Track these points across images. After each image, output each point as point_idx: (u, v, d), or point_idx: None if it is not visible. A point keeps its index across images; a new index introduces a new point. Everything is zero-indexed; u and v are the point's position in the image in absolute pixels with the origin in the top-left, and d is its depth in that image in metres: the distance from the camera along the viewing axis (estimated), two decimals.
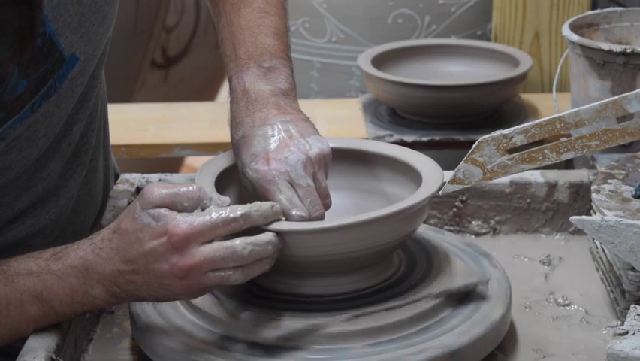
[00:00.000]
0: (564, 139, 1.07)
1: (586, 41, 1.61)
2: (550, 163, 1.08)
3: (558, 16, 2.23)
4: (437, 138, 1.97)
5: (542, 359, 1.12)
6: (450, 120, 2.00)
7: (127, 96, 3.02)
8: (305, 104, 1.22)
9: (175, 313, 1.12)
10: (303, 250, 1.06)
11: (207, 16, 3.15)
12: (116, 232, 1.03)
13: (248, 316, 1.08)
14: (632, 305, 1.05)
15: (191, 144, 2.01)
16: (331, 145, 1.15)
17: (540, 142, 1.10)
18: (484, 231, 1.42)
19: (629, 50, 1.55)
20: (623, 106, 1.04)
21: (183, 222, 1.00)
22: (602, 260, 1.27)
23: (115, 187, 1.40)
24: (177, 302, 1.13)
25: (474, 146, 1.08)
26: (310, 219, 1.08)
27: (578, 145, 1.07)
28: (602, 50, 1.57)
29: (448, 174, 1.11)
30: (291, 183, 1.09)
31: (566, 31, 1.65)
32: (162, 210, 1.01)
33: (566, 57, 1.75)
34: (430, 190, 1.10)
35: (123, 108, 2.20)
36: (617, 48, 1.56)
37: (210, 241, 1.00)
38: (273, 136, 1.12)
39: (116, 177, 1.45)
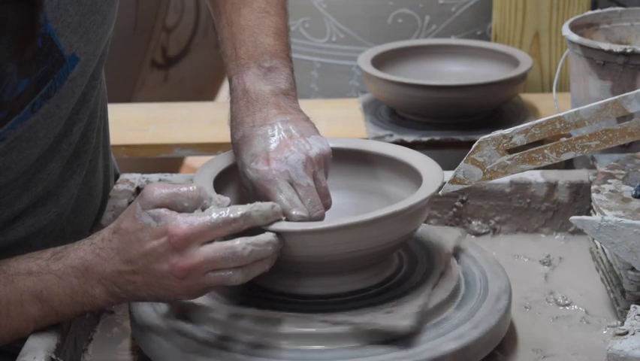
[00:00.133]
0: (564, 139, 1.07)
1: (586, 41, 1.61)
2: (550, 163, 1.08)
3: (558, 16, 2.23)
4: (437, 138, 1.97)
5: (542, 359, 1.12)
6: (450, 120, 2.00)
7: (127, 96, 3.02)
8: (305, 104, 1.22)
9: (175, 314, 1.11)
10: (303, 251, 1.06)
11: (207, 16, 3.15)
12: (116, 232, 1.03)
13: (247, 316, 1.08)
14: (632, 305, 1.05)
15: (191, 144, 2.01)
16: (331, 145, 1.15)
17: (540, 142, 1.10)
18: (484, 231, 1.42)
19: (629, 50, 1.55)
20: (623, 106, 1.04)
21: (183, 222, 1.00)
22: (602, 260, 1.27)
23: (115, 187, 1.40)
24: (177, 302, 1.13)
25: (474, 146, 1.08)
26: (310, 219, 1.08)
27: (578, 145, 1.07)
28: (602, 50, 1.57)
29: (448, 174, 1.11)
30: (291, 183, 1.09)
31: (566, 31, 1.65)
32: (162, 211, 1.01)
33: (566, 57, 1.75)
34: (430, 190, 1.10)
35: (123, 108, 2.20)
36: (617, 48, 1.56)
37: (210, 242, 1.00)
38: (273, 136, 1.12)
39: (116, 177, 1.45)
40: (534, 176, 1.41)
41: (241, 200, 1.18)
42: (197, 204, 1.02)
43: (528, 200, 1.41)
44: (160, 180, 1.43)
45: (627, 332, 1.01)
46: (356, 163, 1.24)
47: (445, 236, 1.21)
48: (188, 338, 1.07)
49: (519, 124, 1.10)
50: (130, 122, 2.08)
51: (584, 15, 1.74)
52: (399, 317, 1.05)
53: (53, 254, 1.06)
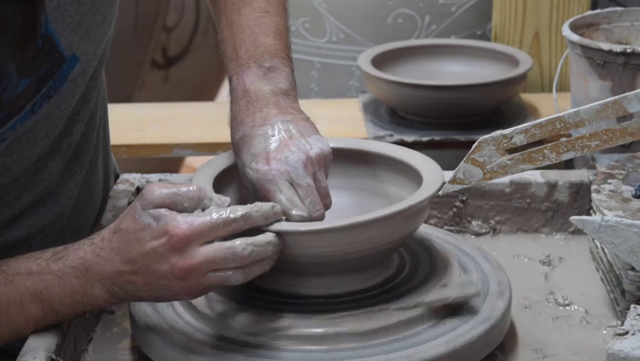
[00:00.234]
0: (564, 139, 1.07)
1: (586, 41, 1.61)
2: (550, 163, 1.08)
3: (558, 16, 2.23)
4: (437, 137, 1.97)
5: (542, 359, 1.12)
6: (450, 120, 2.00)
7: (127, 96, 3.02)
8: (305, 104, 1.22)
9: (175, 314, 1.12)
10: (304, 251, 1.06)
11: (207, 16, 3.15)
12: (116, 232, 1.03)
13: (248, 316, 1.08)
14: (632, 305, 1.05)
15: (191, 143, 2.01)
16: (332, 145, 1.15)
17: (540, 142, 1.10)
18: (484, 231, 1.42)
19: (629, 50, 1.55)
20: (623, 106, 1.04)
21: (184, 222, 1.00)
22: (602, 260, 1.27)
23: (115, 187, 1.40)
24: (177, 302, 1.13)
25: (474, 146, 1.08)
26: (310, 219, 1.08)
27: (578, 145, 1.07)
28: (602, 50, 1.57)
29: (448, 174, 1.11)
30: (291, 183, 1.09)
31: (566, 31, 1.65)
32: (162, 211, 1.01)
33: (566, 57, 1.75)
34: (431, 190, 1.10)
35: (123, 108, 2.20)
36: (617, 48, 1.56)
37: (211, 242, 1.00)
38: (274, 136, 1.12)
39: (116, 177, 1.45)
40: (534, 176, 1.41)
41: (241, 200, 1.18)
42: (197, 205, 1.02)
43: (528, 200, 1.41)
44: (160, 180, 1.43)
45: (627, 332, 1.01)
46: (356, 163, 1.24)
47: (457, 246, 1.22)
48: (188, 338, 1.07)
49: (519, 124, 1.10)
50: (130, 122, 2.08)
51: (584, 15, 1.74)
52: (370, 323, 1.06)
53: (53, 254, 1.06)
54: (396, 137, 1.96)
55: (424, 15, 2.29)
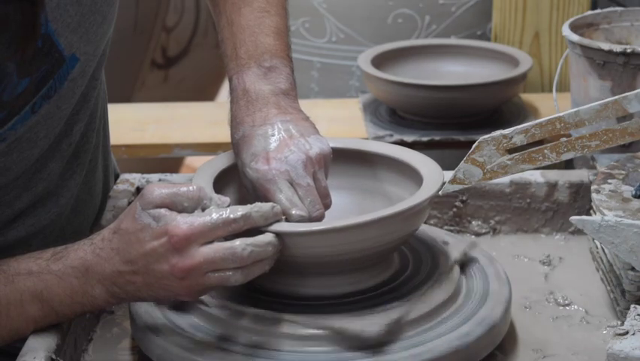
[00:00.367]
0: (564, 139, 1.07)
1: (586, 41, 1.61)
2: (550, 163, 1.08)
3: (558, 16, 2.23)
4: (437, 138, 1.97)
5: (542, 359, 1.12)
6: (450, 120, 2.00)
7: (127, 96, 3.02)
8: (305, 104, 1.22)
9: (175, 313, 1.12)
10: (303, 251, 1.06)
11: (207, 16, 3.15)
12: (116, 232, 1.03)
13: (248, 316, 1.08)
14: (632, 305, 1.05)
15: (190, 144, 2.01)
16: (332, 145, 1.15)
17: (540, 142, 1.10)
18: (484, 231, 1.42)
19: (629, 50, 1.55)
20: (623, 106, 1.04)
21: (184, 222, 1.00)
22: (602, 260, 1.27)
23: (115, 187, 1.40)
24: (178, 302, 1.13)
25: (474, 146, 1.08)
26: (310, 218, 1.08)
27: (578, 145, 1.07)
28: (602, 50, 1.57)
29: (448, 174, 1.11)
30: (291, 183, 1.09)
31: (566, 31, 1.65)
32: (162, 211, 1.01)
33: (566, 57, 1.75)
34: (431, 191, 1.10)
35: (123, 108, 2.20)
36: (617, 48, 1.56)
37: (210, 242, 1.00)
38: (273, 135, 1.12)
39: (116, 177, 1.45)
40: (534, 176, 1.41)
41: (241, 200, 1.18)
42: (197, 205, 1.02)
43: (528, 200, 1.41)
44: (160, 180, 1.43)
45: (627, 332, 1.01)
46: (356, 163, 1.24)
47: (453, 242, 1.21)
48: (188, 338, 1.07)
49: (519, 124, 1.10)
50: (130, 122, 2.08)
51: (584, 15, 1.74)
52: (369, 323, 1.05)
53: (53, 254, 1.06)
54: (396, 137, 1.96)
55: (424, 15, 2.28)
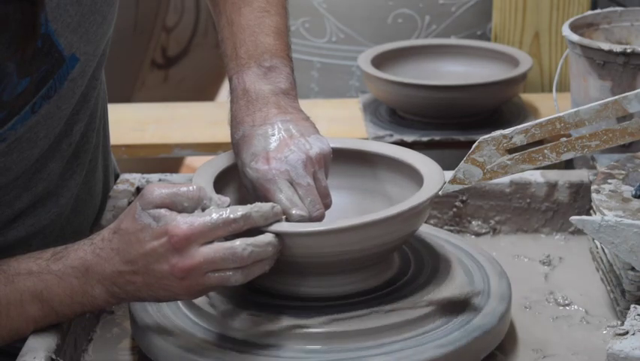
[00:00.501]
0: (564, 139, 1.07)
1: (586, 41, 1.61)
2: (550, 163, 1.08)
3: (558, 16, 2.23)
4: (437, 138, 1.97)
5: (542, 359, 1.12)
6: (450, 120, 2.00)
7: (127, 96, 3.02)
8: (305, 104, 1.22)
9: (175, 313, 1.12)
10: (304, 251, 1.06)
11: (207, 16, 3.15)
12: (116, 232, 1.03)
13: (248, 316, 1.08)
14: (632, 305, 1.05)
15: (190, 144, 2.01)
16: (332, 145, 1.15)
17: (540, 142, 1.10)
18: (484, 231, 1.42)
19: (629, 50, 1.55)
20: (623, 106, 1.04)
21: (184, 222, 1.00)
22: (602, 260, 1.27)
23: (115, 187, 1.40)
24: (177, 302, 1.13)
25: (474, 146, 1.08)
26: (310, 218, 1.08)
27: (578, 145, 1.07)
28: (602, 50, 1.57)
29: (448, 174, 1.11)
30: (291, 183, 1.09)
31: (566, 31, 1.65)
32: (162, 211, 1.01)
33: (566, 57, 1.75)
34: (432, 191, 1.10)
35: (123, 108, 2.20)
36: (617, 48, 1.56)
37: (211, 242, 1.00)
38: (273, 135, 1.12)
39: (116, 177, 1.45)
40: (534, 176, 1.41)
41: (241, 200, 1.18)
42: (197, 205, 1.02)
43: (528, 200, 1.41)
44: (160, 180, 1.43)
45: (627, 332, 1.01)
46: (356, 163, 1.24)
47: (458, 247, 1.22)
48: (188, 338, 1.07)
49: (519, 124, 1.10)
50: (130, 122, 2.08)
51: (584, 15, 1.74)
52: (369, 323, 1.05)
53: (53, 254, 1.06)
54: (396, 137, 1.96)
55: (424, 15, 2.28)
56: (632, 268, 1.14)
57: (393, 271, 1.15)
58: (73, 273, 1.04)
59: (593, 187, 1.25)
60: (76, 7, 1.12)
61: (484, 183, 1.36)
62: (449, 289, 1.12)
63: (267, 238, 1.02)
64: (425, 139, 1.97)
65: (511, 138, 1.07)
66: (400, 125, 2.03)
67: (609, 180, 1.25)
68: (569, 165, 1.84)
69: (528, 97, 2.15)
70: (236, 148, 1.15)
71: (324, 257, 1.07)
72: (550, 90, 2.13)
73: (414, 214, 1.08)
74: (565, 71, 1.85)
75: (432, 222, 1.41)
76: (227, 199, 1.04)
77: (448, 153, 1.97)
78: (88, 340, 1.17)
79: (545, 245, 1.39)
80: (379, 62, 2.08)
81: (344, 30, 2.32)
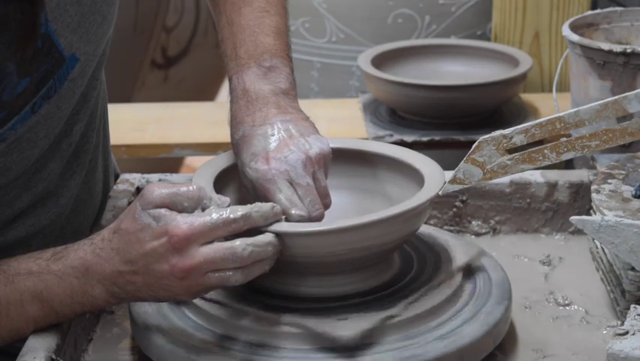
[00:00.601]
0: (564, 139, 1.07)
1: (586, 41, 1.61)
2: (550, 163, 1.08)
3: (558, 16, 2.23)
4: (437, 138, 1.97)
5: (542, 359, 1.12)
6: (450, 120, 2.00)
7: (127, 96, 3.02)
8: (305, 104, 1.22)
9: (175, 313, 1.12)
10: (303, 251, 1.06)
11: (207, 16, 3.15)
12: (116, 232, 1.03)
13: (248, 316, 1.08)
14: (632, 305, 1.05)
15: (190, 144, 2.01)
16: (332, 145, 1.15)
17: (540, 142, 1.10)
18: (484, 231, 1.42)
19: (629, 50, 1.55)
20: (623, 106, 1.04)
21: (184, 222, 1.00)
22: (602, 260, 1.27)
23: (115, 187, 1.40)
24: (177, 302, 1.13)
25: (474, 146, 1.08)
26: (310, 218, 1.08)
27: (578, 145, 1.07)
28: (602, 50, 1.57)
29: (448, 174, 1.11)
30: (291, 183, 1.09)
31: (566, 31, 1.65)
32: (162, 211, 1.01)
33: (566, 57, 1.75)
34: (432, 191, 1.10)
35: (123, 108, 2.20)
36: (617, 48, 1.56)
37: (210, 242, 1.00)
38: (273, 135, 1.12)
39: (116, 177, 1.45)
40: (534, 176, 1.41)
41: (241, 200, 1.18)
42: (197, 205, 1.02)
43: (528, 200, 1.41)
44: (160, 180, 1.43)
45: (627, 332, 1.01)
46: (356, 163, 1.24)
47: (459, 246, 1.21)
48: (188, 338, 1.07)
49: (519, 124, 1.10)
50: (130, 122, 2.08)
51: (584, 15, 1.74)
52: (368, 323, 1.05)
53: (53, 254, 1.06)
54: (396, 137, 1.96)
55: (424, 15, 2.28)
56: (632, 268, 1.14)
57: (394, 271, 1.15)
58: (73, 273, 1.04)
59: (593, 187, 1.25)
60: (76, 7, 1.12)
61: (484, 183, 1.36)
62: (449, 289, 1.12)
63: (267, 238, 1.02)
64: (425, 139, 1.97)
65: (511, 138, 1.07)
66: (400, 125, 2.03)
67: (609, 180, 1.25)
68: (569, 165, 1.84)
69: (528, 97, 2.15)
70: (236, 148, 1.15)
71: (324, 257, 1.07)
72: (550, 90, 2.13)
73: (414, 214, 1.08)
74: (565, 71, 1.85)
75: (432, 222, 1.41)
76: (227, 199, 1.04)
77: (448, 153, 1.97)
78: (88, 340, 1.17)
79: (545, 245, 1.39)
80: (379, 62, 2.08)
81: (344, 30, 2.32)
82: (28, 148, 1.14)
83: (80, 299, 1.05)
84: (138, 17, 2.98)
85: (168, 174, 1.46)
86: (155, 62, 3.19)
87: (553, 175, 1.41)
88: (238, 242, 1.00)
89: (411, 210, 1.07)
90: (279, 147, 1.11)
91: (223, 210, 1.01)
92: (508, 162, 1.08)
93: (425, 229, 1.24)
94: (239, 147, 1.14)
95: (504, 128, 1.08)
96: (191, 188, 1.02)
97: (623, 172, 1.27)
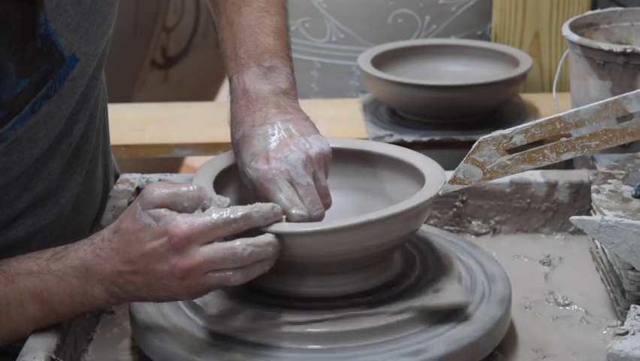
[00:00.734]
0: (564, 139, 1.07)
1: (586, 41, 1.61)
2: (550, 163, 1.08)
3: (558, 16, 2.23)
4: (437, 138, 1.97)
5: (542, 359, 1.12)
6: (450, 120, 2.00)
7: (127, 96, 3.02)
8: (305, 104, 1.22)
9: (175, 313, 1.12)
10: (303, 251, 1.06)
11: (207, 16, 3.15)
12: (116, 232, 1.03)
13: (248, 316, 1.08)
14: (632, 305, 1.05)
15: (190, 144, 2.01)
16: (332, 145, 1.15)
17: (540, 142, 1.10)
18: (484, 231, 1.42)
19: (629, 50, 1.55)
20: (623, 106, 1.04)
21: (184, 222, 1.00)
22: (602, 260, 1.27)
23: (115, 187, 1.40)
24: (177, 302, 1.13)
25: (474, 146, 1.08)
26: (310, 218, 1.08)
27: (578, 145, 1.07)
28: (602, 50, 1.57)
29: (449, 174, 1.11)
30: (291, 182, 1.09)
31: (566, 31, 1.65)
32: (162, 211, 1.01)
33: (566, 57, 1.75)
34: (432, 191, 1.10)
35: (123, 108, 2.20)
36: (617, 48, 1.56)
37: (211, 242, 1.00)
38: (273, 135, 1.12)
39: (116, 177, 1.45)
40: (534, 176, 1.41)
41: (241, 200, 1.18)
42: (198, 205, 1.02)
43: (528, 200, 1.41)
44: (160, 180, 1.43)
45: (627, 332, 1.01)
46: (357, 163, 1.24)
47: (459, 247, 1.22)
48: (188, 338, 1.07)
49: (519, 124, 1.10)
50: (130, 122, 2.08)
51: (584, 15, 1.74)
52: (368, 323, 1.05)
53: (53, 254, 1.06)
54: (396, 137, 1.96)
55: (424, 15, 2.28)
56: (632, 268, 1.14)
57: (394, 271, 1.15)
58: (73, 273, 1.04)
59: (593, 187, 1.25)
60: (76, 7, 1.12)
61: (484, 183, 1.36)
62: (449, 289, 1.12)
63: (267, 238, 1.02)
64: (425, 139, 1.97)
65: (511, 138, 1.07)
66: (400, 125, 2.03)
67: (609, 180, 1.25)
68: (569, 165, 1.84)
69: (528, 97, 2.15)
70: (236, 148, 1.15)
71: (324, 257, 1.07)
72: (550, 90, 2.13)
73: (414, 214, 1.08)
74: (565, 71, 1.85)
75: (432, 222, 1.41)
76: (227, 199, 1.04)
77: (448, 153, 1.97)
78: (88, 340, 1.17)
79: (545, 245, 1.39)
80: (379, 62, 2.08)
81: (344, 30, 2.32)
82: (28, 148, 1.14)
83: (80, 299, 1.05)
84: (138, 17, 2.98)
85: (168, 174, 1.46)
86: (155, 62, 3.19)
87: (553, 175, 1.41)
88: (238, 242, 1.00)
89: (410, 210, 1.07)
90: (280, 146, 1.11)
91: (223, 210, 1.01)
92: (508, 162, 1.08)
93: (425, 229, 1.24)
94: (239, 147, 1.14)
95: (504, 128, 1.08)
96: (191, 188, 1.02)
97: (623, 172, 1.27)
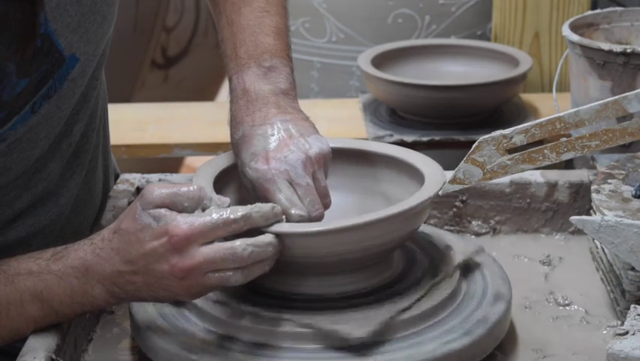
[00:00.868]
0: (564, 139, 1.07)
1: (586, 41, 1.61)
2: (550, 163, 1.08)
3: (558, 16, 2.23)
4: (437, 138, 1.97)
5: (542, 359, 1.12)
6: (450, 120, 2.00)
7: (127, 96, 3.02)
8: (305, 104, 1.22)
9: (175, 313, 1.12)
10: (303, 251, 1.06)
11: (207, 16, 3.15)
12: (116, 232, 1.03)
13: (248, 316, 1.08)
14: (632, 305, 1.05)
15: (190, 144, 2.01)
16: (332, 145, 1.15)
17: (540, 142, 1.10)
18: (484, 231, 1.42)
19: (629, 50, 1.55)
20: (623, 106, 1.04)
21: (184, 222, 1.00)
22: (602, 260, 1.27)
23: (115, 187, 1.40)
24: (177, 302, 1.13)
25: (474, 146, 1.08)
26: (309, 218, 1.08)
27: (578, 145, 1.07)
28: (602, 50, 1.57)
29: (449, 174, 1.11)
30: (291, 183, 1.09)
31: (566, 31, 1.65)
32: (163, 211, 1.01)
33: (566, 57, 1.75)
34: (432, 191, 1.10)
35: (123, 108, 2.20)
36: (617, 48, 1.56)
37: (211, 242, 1.00)
38: (273, 135, 1.12)
39: (116, 177, 1.45)
40: (534, 176, 1.41)
41: (241, 200, 1.18)
42: (198, 205, 1.02)
43: (528, 200, 1.41)
44: (160, 180, 1.43)
45: (627, 332, 1.01)
46: (357, 163, 1.24)
47: (457, 244, 1.21)
48: (188, 338, 1.07)
49: (519, 124, 1.10)
50: (130, 122, 2.08)
51: (584, 15, 1.74)
52: (368, 322, 1.05)
53: (53, 254, 1.06)
54: (396, 137, 1.96)
55: (424, 15, 2.28)
56: (632, 268, 1.14)
57: (394, 270, 1.15)
58: (73, 273, 1.04)
59: (593, 187, 1.25)
60: (76, 7, 1.12)
61: (484, 183, 1.36)
62: (448, 289, 1.12)
63: (267, 238, 1.02)
64: (425, 139, 1.97)
65: (511, 138, 1.07)
66: (400, 125, 2.03)
67: (609, 180, 1.25)
68: (569, 165, 1.84)
69: (528, 97, 2.15)
70: (236, 148, 1.15)
71: (324, 257, 1.07)
72: (550, 90, 2.13)
73: (414, 214, 1.08)
74: (565, 71, 1.85)
75: (432, 222, 1.41)
76: (227, 200, 1.04)
77: (448, 153, 1.97)
78: (88, 340, 1.17)
79: (545, 245, 1.39)
80: (379, 62, 2.08)
81: (344, 30, 2.32)
82: (29, 148, 1.14)
83: (80, 299, 1.05)
84: (138, 17, 2.98)
85: (168, 174, 1.46)
86: (155, 62, 3.19)
87: (553, 175, 1.41)
88: (238, 242, 1.00)
89: (410, 210, 1.07)
90: (279, 146, 1.11)
91: (223, 210, 1.01)
92: (508, 162, 1.08)
93: (425, 229, 1.24)
94: (239, 147, 1.14)
95: (504, 128, 1.08)
96: (191, 188, 1.02)
97: (623, 172, 1.27)
